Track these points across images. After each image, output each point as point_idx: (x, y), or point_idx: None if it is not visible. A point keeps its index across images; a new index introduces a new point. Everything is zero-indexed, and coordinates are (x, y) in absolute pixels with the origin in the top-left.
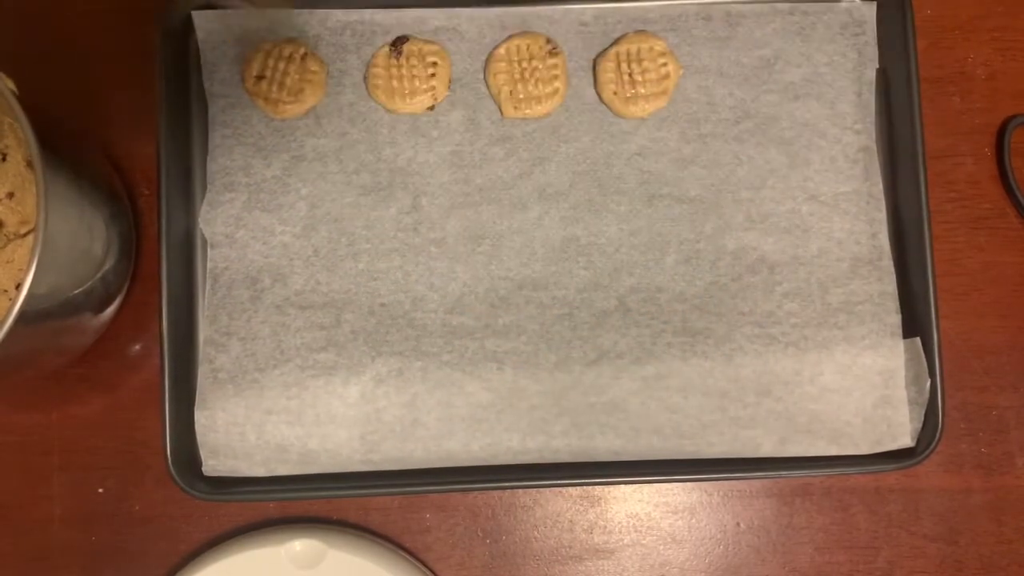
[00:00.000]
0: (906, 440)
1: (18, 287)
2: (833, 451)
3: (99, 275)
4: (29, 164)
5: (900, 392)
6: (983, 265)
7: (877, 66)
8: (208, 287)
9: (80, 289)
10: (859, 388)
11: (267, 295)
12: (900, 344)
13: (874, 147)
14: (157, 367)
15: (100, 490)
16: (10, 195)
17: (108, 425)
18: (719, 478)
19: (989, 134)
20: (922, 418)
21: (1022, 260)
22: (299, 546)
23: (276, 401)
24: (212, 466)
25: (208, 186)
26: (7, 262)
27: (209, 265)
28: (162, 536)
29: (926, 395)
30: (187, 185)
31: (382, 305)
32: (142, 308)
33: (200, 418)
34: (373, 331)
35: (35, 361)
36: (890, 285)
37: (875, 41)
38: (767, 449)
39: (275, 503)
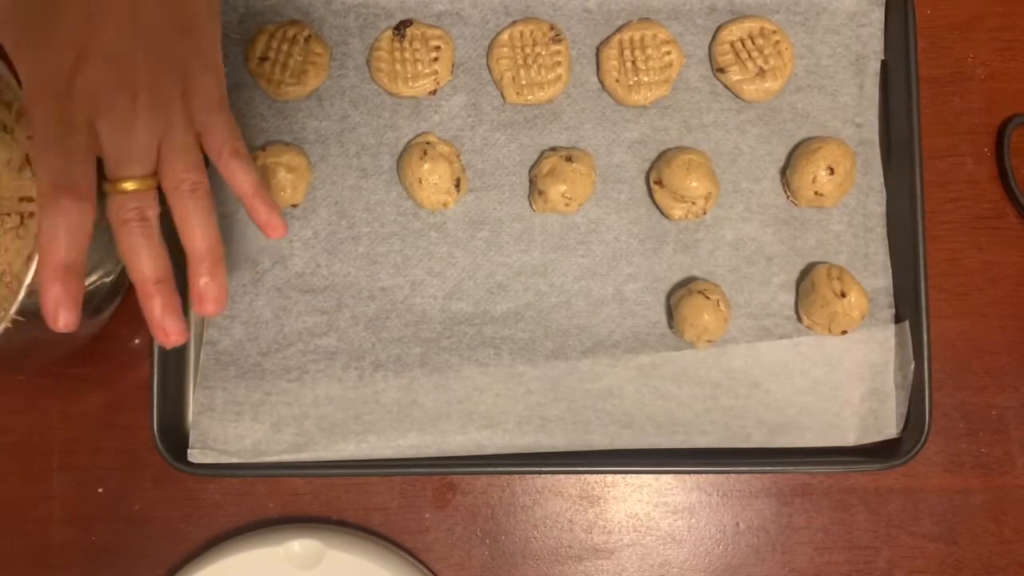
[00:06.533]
0: (891, 432)
1: (18, 280)
2: (821, 443)
3: (99, 274)
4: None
5: (889, 385)
6: (983, 265)
7: (882, 58)
8: None
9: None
10: (849, 381)
11: (268, 277)
12: (892, 339)
13: (875, 140)
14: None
15: (100, 490)
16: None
17: (108, 425)
18: (715, 471)
19: (988, 134)
20: (907, 404)
21: (1022, 260)
22: (298, 546)
23: (276, 383)
24: (199, 451)
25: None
26: (24, 238)
27: None
28: (162, 536)
29: (919, 383)
30: None
31: (382, 289)
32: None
33: (199, 396)
34: (373, 316)
35: (29, 361)
36: (884, 280)
37: (880, 33)
38: (757, 440)
39: (275, 504)
